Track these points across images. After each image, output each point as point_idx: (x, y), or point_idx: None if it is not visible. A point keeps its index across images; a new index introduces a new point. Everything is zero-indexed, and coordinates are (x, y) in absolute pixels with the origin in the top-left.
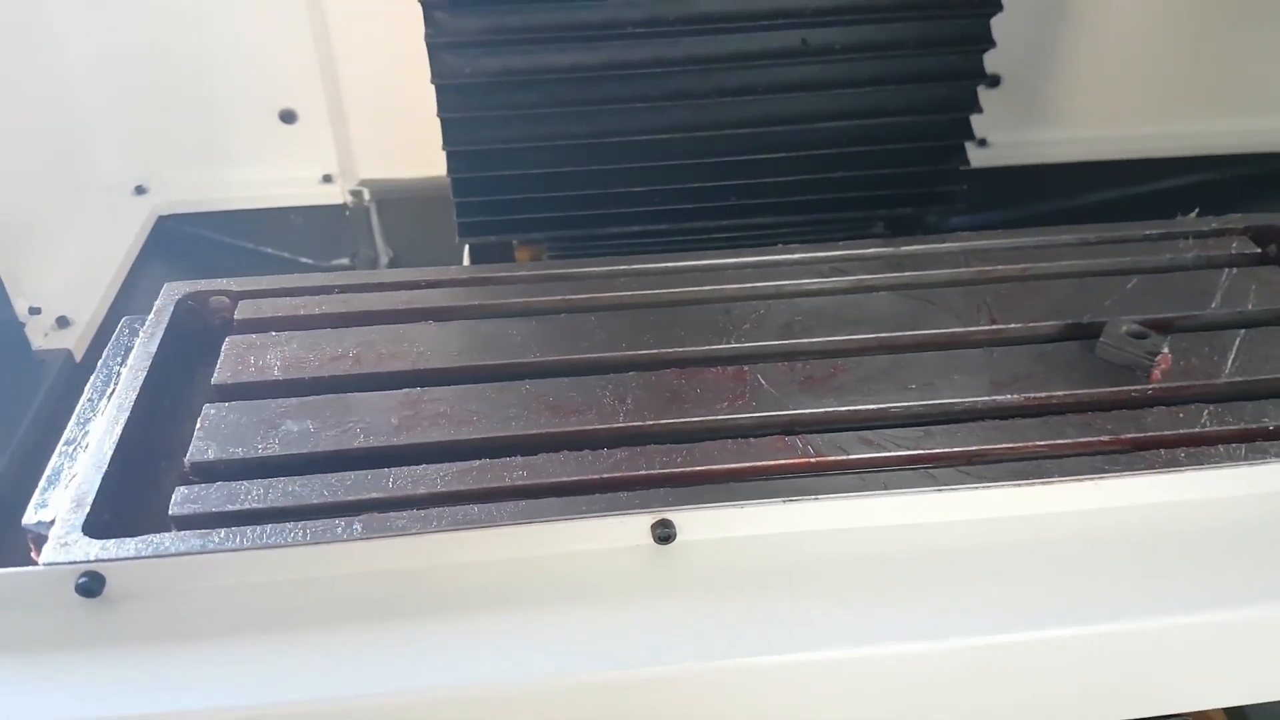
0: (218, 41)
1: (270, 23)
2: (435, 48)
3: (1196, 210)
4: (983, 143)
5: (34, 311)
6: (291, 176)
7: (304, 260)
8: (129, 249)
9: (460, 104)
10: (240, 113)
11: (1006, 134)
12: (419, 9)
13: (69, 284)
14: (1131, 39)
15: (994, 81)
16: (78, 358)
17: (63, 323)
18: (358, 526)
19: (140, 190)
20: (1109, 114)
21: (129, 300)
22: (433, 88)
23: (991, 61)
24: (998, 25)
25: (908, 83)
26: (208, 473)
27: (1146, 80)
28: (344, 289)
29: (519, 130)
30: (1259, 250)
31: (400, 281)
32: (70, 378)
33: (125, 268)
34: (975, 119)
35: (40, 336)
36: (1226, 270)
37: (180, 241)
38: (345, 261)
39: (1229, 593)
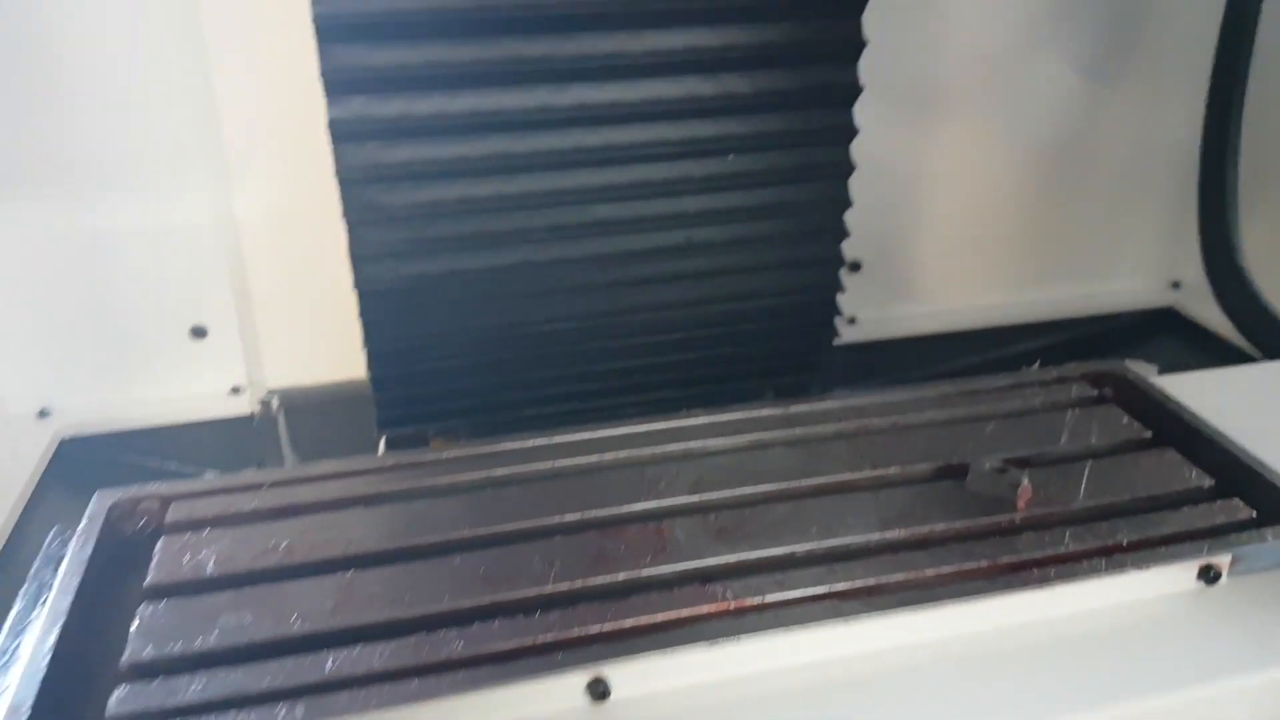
0: (130, 262)
1: (183, 240)
2: (359, 259)
3: (1038, 362)
4: (853, 321)
5: None
6: (199, 392)
7: (209, 474)
8: (31, 474)
9: (381, 307)
10: (149, 333)
11: (873, 311)
12: (331, 220)
13: None
14: (971, 222)
15: (855, 266)
16: None
17: None
18: (300, 710)
19: (44, 414)
20: (960, 288)
21: (29, 524)
22: (342, 298)
23: (853, 249)
24: (856, 217)
25: (779, 269)
26: (146, 671)
27: (989, 257)
28: (275, 484)
29: (436, 326)
30: (1096, 393)
31: (328, 472)
32: None
33: (27, 493)
34: (846, 300)
35: None
36: (1070, 411)
37: (82, 463)
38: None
39: (1105, 692)
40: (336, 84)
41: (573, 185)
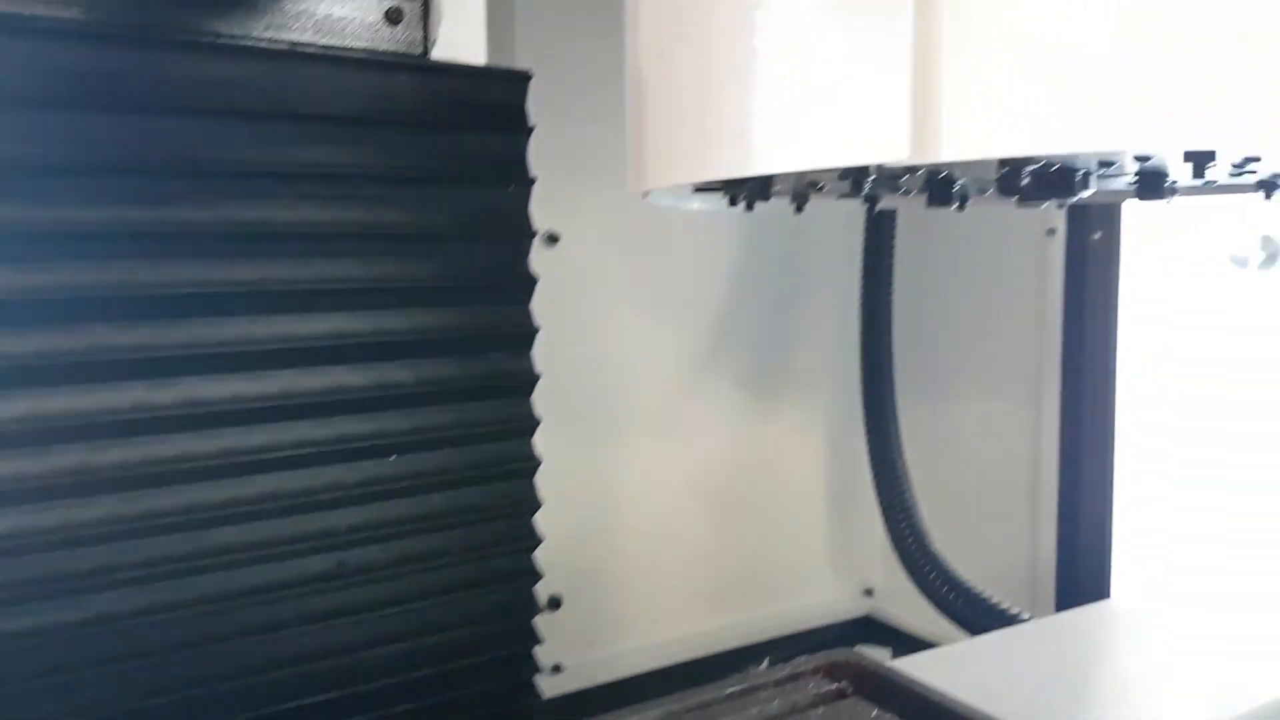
0: None
1: None
2: None
3: (766, 660)
4: (557, 669)
5: None
6: None
7: None
8: None
9: None
10: None
11: (578, 656)
12: None
13: None
14: (666, 548)
15: (555, 603)
16: None
17: None
18: None
19: None
20: (664, 619)
21: None
22: None
23: (551, 584)
24: (549, 549)
25: (461, 592)
26: None
27: (688, 583)
28: None
29: None
30: (835, 686)
31: None
32: None
33: None
34: (547, 645)
35: None
36: (814, 711)
37: None
38: None
39: None
40: None
41: (176, 505)
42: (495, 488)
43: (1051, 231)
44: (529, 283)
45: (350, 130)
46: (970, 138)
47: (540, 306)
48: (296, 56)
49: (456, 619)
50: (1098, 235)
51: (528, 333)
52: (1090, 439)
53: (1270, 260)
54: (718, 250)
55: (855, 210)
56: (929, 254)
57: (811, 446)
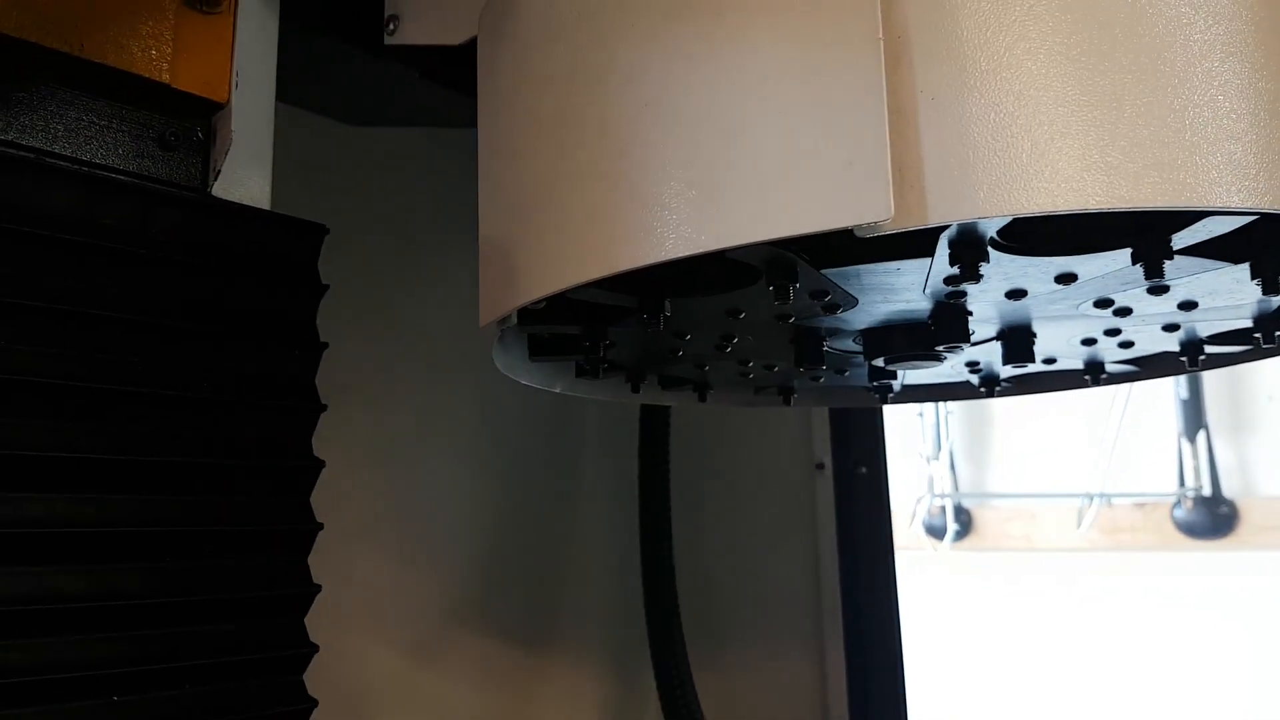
0: None
1: None
2: None
3: None
4: None
5: None
6: None
7: None
8: None
9: None
10: None
11: None
12: None
13: None
14: None
15: None
16: None
17: None
18: None
19: None
20: None
21: None
22: None
23: None
24: None
25: None
26: None
27: None
28: None
29: None
30: None
31: None
32: None
33: None
34: None
35: None
36: None
37: None
38: None
39: None
40: None
41: None
42: None
43: (820, 466)
44: (312, 466)
45: (99, 263)
46: (952, 202)
47: None
48: (33, 166)
49: None
50: (863, 470)
51: (306, 530)
52: (878, 688)
53: (963, 530)
54: (483, 476)
55: (630, 442)
56: (702, 492)
57: (587, 710)
